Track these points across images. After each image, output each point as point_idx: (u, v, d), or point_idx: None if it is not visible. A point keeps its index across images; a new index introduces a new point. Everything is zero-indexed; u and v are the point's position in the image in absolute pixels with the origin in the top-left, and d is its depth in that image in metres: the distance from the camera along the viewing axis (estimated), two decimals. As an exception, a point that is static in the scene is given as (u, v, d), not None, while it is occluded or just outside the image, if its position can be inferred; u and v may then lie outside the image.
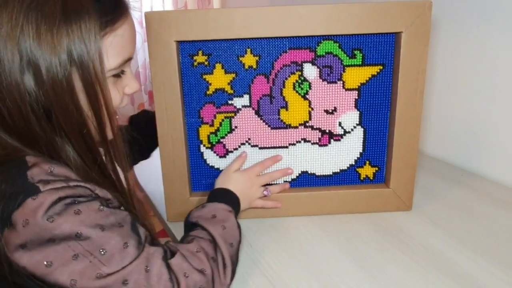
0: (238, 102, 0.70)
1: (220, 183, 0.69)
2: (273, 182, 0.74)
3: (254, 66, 0.68)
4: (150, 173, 0.85)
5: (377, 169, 0.75)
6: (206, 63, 0.67)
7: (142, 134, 0.74)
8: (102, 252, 0.46)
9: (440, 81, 0.98)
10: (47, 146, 0.50)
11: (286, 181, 0.75)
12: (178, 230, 0.70)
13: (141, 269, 0.47)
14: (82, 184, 0.49)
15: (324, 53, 0.68)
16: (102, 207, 0.48)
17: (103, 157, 0.54)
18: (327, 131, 0.72)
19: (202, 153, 0.73)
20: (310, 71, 0.68)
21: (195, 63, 0.67)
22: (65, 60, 0.47)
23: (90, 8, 0.48)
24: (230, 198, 0.66)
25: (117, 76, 0.55)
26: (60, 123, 0.49)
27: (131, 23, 0.54)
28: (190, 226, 0.61)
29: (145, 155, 0.83)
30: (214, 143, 0.72)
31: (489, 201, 0.79)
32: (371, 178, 0.75)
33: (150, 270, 0.48)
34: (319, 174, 0.74)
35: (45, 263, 0.45)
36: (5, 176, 0.47)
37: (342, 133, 0.72)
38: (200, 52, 0.67)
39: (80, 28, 0.47)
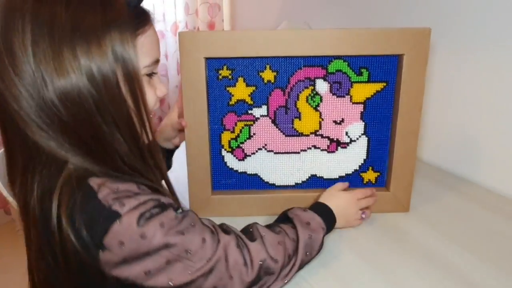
0: (257, 112, 0.78)
1: (325, 197, 0.76)
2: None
3: (272, 81, 0.77)
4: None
5: (379, 174, 0.83)
6: (230, 77, 0.76)
7: None
8: (189, 253, 0.54)
9: (436, 96, 1.06)
10: (103, 135, 0.54)
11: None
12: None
13: (222, 258, 0.55)
14: (149, 198, 0.54)
15: (334, 71, 0.76)
16: (176, 214, 0.55)
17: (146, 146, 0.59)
18: (335, 139, 0.80)
19: (223, 156, 0.81)
20: (322, 86, 0.77)
21: (220, 77, 0.76)
22: (111, 60, 0.53)
23: (124, 14, 0.54)
24: (329, 216, 0.72)
25: (150, 76, 0.61)
26: (111, 113, 0.54)
27: (154, 28, 0.61)
28: (284, 218, 0.70)
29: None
30: (234, 147, 0.81)
31: (478, 204, 0.87)
32: (373, 182, 0.84)
33: (228, 259, 0.56)
34: (326, 177, 0.83)
35: (144, 272, 0.52)
36: (76, 206, 0.51)
37: (348, 141, 0.81)
38: (224, 67, 0.75)
39: (119, 33, 0.53)
